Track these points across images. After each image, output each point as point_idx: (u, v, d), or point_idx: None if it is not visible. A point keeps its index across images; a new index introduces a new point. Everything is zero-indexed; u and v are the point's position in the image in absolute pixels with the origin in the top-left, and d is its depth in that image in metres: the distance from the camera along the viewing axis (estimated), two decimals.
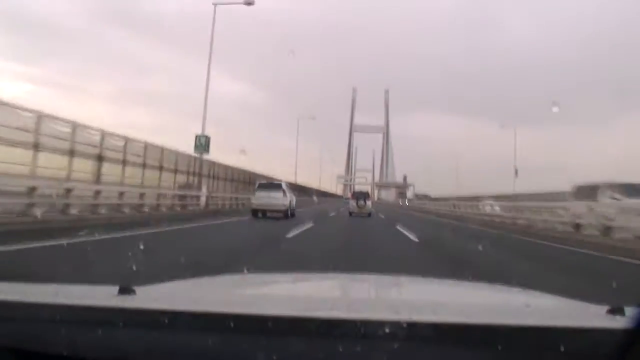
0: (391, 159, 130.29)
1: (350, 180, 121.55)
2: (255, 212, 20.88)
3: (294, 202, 22.83)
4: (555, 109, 29.16)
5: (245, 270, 2.66)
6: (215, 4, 23.20)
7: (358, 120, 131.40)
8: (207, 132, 23.31)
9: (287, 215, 20.96)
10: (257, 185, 22.39)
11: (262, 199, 20.87)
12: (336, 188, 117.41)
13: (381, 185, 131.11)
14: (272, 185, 22.27)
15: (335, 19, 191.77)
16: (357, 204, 26.42)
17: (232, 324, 0.92)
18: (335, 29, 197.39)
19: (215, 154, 30.10)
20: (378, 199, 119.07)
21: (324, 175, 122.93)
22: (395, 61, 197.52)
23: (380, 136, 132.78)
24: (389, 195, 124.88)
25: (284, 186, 21.90)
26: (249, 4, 23.34)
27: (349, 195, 31.83)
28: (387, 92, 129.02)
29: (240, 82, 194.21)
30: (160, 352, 0.92)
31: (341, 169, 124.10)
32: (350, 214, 25.77)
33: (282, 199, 20.93)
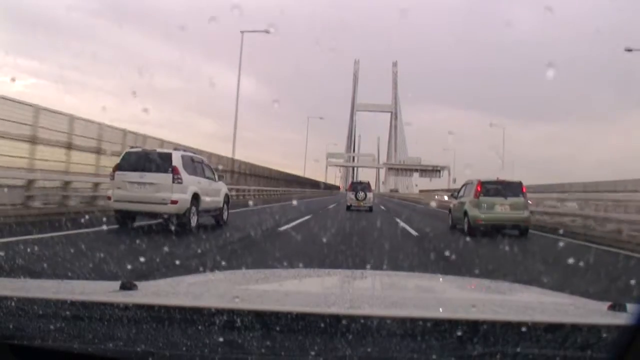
0: (402, 144, 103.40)
1: (354, 159, 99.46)
2: (120, 217, 9.71)
3: (215, 198, 11.29)
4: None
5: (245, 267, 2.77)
6: (242, 32, 30.35)
7: (361, 116, 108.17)
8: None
9: (189, 222, 9.64)
10: (120, 159, 10.05)
11: (129, 188, 9.50)
12: (326, 172, 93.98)
13: (398, 168, 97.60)
14: (150, 158, 9.72)
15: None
16: (355, 196, 23.41)
17: (232, 319, 0.95)
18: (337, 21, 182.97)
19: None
20: (391, 190, 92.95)
21: (323, 168, 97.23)
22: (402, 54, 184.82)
23: (386, 126, 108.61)
24: (402, 184, 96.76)
25: (176, 161, 9.68)
26: (267, 32, 30.20)
27: (348, 186, 27.21)
28: (394, 64, 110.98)
29: (245, 76, 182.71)
30: (162, 347, 0.92)
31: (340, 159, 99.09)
32: (348, 207, 23.04)
33: (169, 189, 9.46)
